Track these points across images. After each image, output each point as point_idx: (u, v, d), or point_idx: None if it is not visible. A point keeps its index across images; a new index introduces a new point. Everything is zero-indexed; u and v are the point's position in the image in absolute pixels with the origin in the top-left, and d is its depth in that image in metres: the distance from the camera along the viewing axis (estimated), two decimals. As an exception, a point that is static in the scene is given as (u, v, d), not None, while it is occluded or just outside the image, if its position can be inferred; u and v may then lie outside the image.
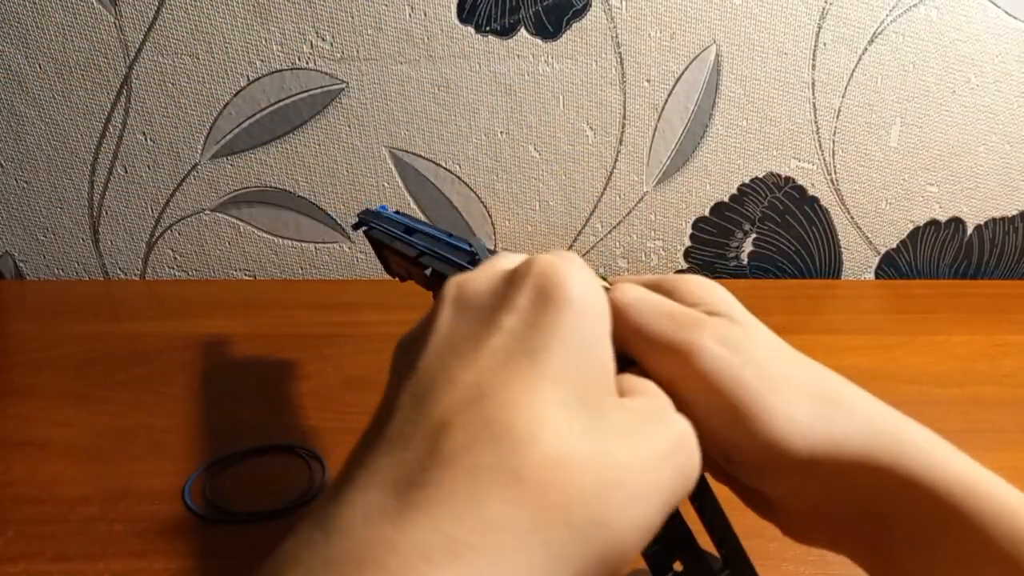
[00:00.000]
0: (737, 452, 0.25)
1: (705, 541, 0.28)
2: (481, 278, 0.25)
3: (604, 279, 0.29)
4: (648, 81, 0.74)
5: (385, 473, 0.20)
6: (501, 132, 0.76)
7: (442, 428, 0.20)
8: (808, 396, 0.25)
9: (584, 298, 0.22)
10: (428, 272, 0.39)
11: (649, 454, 0.21)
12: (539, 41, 0.72)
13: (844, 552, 0.27)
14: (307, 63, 0.72)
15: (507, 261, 0.26)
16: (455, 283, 0.25)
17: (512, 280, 0.23)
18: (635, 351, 0.26)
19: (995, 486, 0.24)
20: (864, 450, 0.25)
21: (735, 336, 0.26)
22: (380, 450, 0.21)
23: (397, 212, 0.52)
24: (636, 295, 0.27)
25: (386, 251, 0.48)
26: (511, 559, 0.18)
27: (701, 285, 0.29)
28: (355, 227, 0.52)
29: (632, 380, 0.25)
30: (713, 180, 0.78)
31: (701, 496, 0.28)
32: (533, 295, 0.22)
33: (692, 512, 0.30)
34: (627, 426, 0.21)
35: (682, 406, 0.25)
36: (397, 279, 0.50)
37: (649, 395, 0.24)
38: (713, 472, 0.29)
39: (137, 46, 0.72)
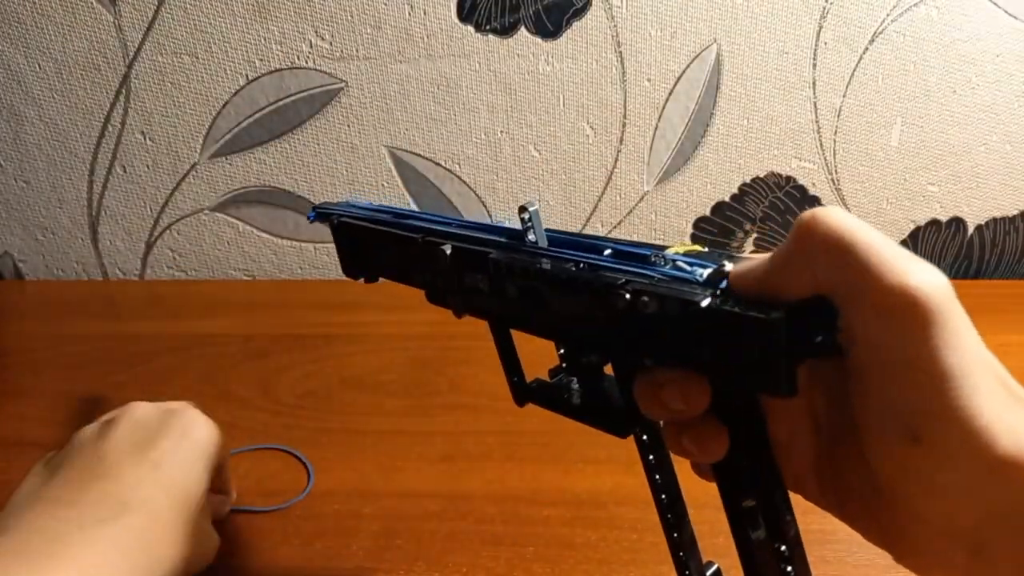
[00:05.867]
0: (929, 429, 0.22)
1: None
2: (151, 406, 0.43)
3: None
4: (649, 80, 0.73)
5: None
6: (501, 131, 0.76)
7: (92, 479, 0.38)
8: (1001, 384, 0.23)
9: (197, 440, 0.42)
10: (448, 250, 0.33)
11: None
12: (539, 40, 0.72)
13: None
14: (306, 62, 0.72)
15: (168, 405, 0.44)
16: (135, 406, 0.43)
17: (170, 410, 0.43)
18: (841, 285, 0.23)
19: None
20: None
21: (952, 304, 0.22)
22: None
23: (370, 204, 0.44)
24: (857, 223, 0.23)
25: (366, 243, 0.41)
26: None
27: None
28: (317, 219, 0.44)
29: None
30: (714, 180, 0.78)
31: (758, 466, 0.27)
32: (176, 421, 0.42)
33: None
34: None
35: (880, 365, 0.23)
36: (361, 280, 0.43)
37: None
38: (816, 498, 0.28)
39: (136, 46, 0.72)
